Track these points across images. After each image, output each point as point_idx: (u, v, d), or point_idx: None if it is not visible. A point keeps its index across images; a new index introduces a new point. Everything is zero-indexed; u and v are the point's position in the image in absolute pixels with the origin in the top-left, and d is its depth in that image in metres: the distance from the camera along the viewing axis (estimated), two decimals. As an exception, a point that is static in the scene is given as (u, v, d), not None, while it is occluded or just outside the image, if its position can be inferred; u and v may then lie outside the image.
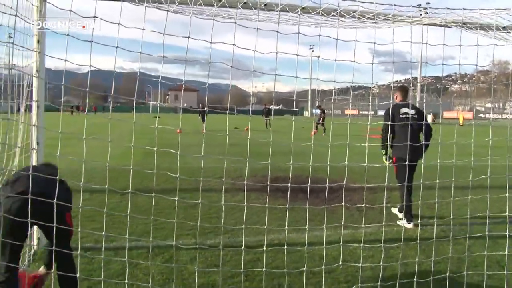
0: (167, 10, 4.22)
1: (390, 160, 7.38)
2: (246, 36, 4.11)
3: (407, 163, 6.46)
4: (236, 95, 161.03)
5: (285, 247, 4.24)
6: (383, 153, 7.49)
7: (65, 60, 3.46)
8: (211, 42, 3.72)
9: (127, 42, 3.78)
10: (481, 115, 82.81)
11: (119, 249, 5.72)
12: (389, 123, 6.95)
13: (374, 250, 5.76)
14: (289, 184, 3.89)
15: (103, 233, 3.97)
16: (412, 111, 7.41)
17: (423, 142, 6.62)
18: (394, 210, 7.93)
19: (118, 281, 4.59)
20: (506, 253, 4.35)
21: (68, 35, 3.53)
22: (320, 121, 32.14)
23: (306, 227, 4.90)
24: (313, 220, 7.21)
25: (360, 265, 4.38)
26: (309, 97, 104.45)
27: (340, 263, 4.57)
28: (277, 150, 14.95)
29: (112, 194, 8.37)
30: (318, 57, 4.13)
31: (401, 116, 7.35)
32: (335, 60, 4.03)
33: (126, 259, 3.85)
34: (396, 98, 7.93)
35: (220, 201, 8.19)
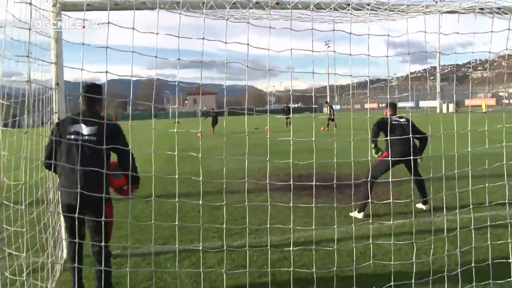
0: (180, 13, 4.24)
1: (380, 153, 7.63)
2: (260, 36, 4.12)
3: (390, 167, 6.62)
4: (254, 96, 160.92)
5: (313, 245, 4.23)
6: (372, 146, 7.70)
7: (82, 69, 3.52)
8: (226, 42, 3.74)
9: (142, 50, 3.81)
10: (505, 101, 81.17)
11: (147, 255, 5.78)
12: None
13: (401, 243, 5.71)
14: (313, 182, 3.88)
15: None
16: (402, 119, 7.87)
17: (419, 144, 7.49)
18: (419, 205, 7.94)
19: (147, 286, 4.64)
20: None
21: (83, 44, 3.58)
22: (332, 117, 32.42)
23: (335, 226, 4.87)
24: (338, 216, 7.18)
25: (391, 262, 4.34)
26: (328, 93, 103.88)
27: (371, 260, 4.53)
28: (298, 148, 14.88)
29: (137, 201, 8.46)
30: (334, 51, 4.12)
31: (393, 122, 7.60)
32: (350, 54, 4.01)
33: (151, 266, 3.89)
34: (385, 113, 8.27)
35: (244, 202, 8.22)
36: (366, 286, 4.55)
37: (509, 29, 4.15)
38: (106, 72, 3.63)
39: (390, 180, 4.57)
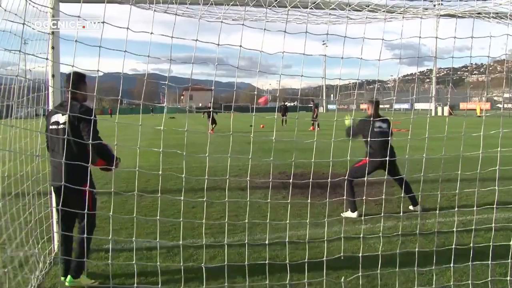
0: (176, 14, 4.24)
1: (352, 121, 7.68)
2: (257, 33, 4.11)
3: (366, 174, 6.66)
4: (251, 93, 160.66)
5: (307, 240, 4.24)
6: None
7: (73, 66, 3.51)
8: (218, 44, 3.73)
9: (138, 44, 3.81)
10: (499, 105, 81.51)
11: (138, 250, 5.78)
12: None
13: (393, 244, 5.74)
14: (310, 180, 3.89)
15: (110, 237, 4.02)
16: (384, 125, 7.83)
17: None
18: (411, 208, 7.96)
19: (138, 281, 4.63)
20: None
21: (76, 41, 3.57)
22: (314, 117, 32.61)
23: (326, 222, 4.90)
24: (331, 216, 7.20)
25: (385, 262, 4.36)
26: (323, 93, 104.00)
27: (360, 254, 4.55)
28: (293, 147, 14.92)
29: (131, 195, 8.45)
30: (325, 55, 4.12)
31: (375, 129, 7.63)
32: (342, 57, 4.02)
33: (133, 262, 3.89)
34: (368, 110, 8.10)
35: (237, 200, 8.23)
36: (355, 285, 4.58)
37: (508, 34, 4.17)
38: (98, 70, 3.60)
39: (372, 179, 4.59)
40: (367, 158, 7.19)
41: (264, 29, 3.83)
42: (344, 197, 7.39)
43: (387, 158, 6.24)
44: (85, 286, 4.79)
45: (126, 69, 4.27)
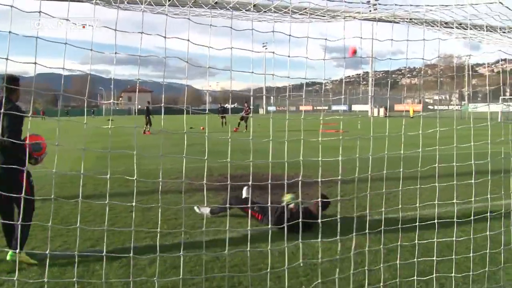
0: (118, 7, 4.11)
1: None
2: (200, 34, 4.07)
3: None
4: (191, 94, 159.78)
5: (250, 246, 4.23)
6: None
7: (7, 59, 3.32)
8: (165, 37, 3.64)
9: (75, 43, 3.65)
10: (430, 106, 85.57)
11: (74, 257, 5.56)
12: None
13: (333, 242, 5.85)
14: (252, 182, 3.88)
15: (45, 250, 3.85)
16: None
17: None
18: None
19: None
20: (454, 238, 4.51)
21: (10, 32, 3.37)
22: (244, 115, 33.71)
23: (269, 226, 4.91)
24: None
25: (319, 260, 4.43)
26: (264, 94, 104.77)
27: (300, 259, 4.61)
28: (234, 148, 14.93)
29: (66, 201, 8.16)
30: (262, 52, 4.13)
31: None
32: (272, 54, 4.04)
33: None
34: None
35: (178, 203, 8.13)
36: (296, 285, 4.63)
37: (439, 38, 4.37)
38: (35, 63, 3.43)
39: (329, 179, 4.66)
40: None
41: (211, 25, 3.78)
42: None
43: None
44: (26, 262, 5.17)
45: (61, 70, 4.08)
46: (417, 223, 4.51)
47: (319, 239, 4.33)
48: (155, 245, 5.88)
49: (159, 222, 4.14)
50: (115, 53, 3.77)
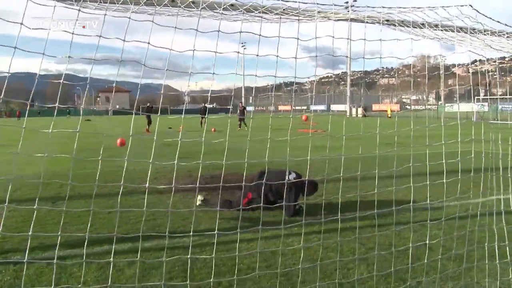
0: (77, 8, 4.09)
1: None
2: (176, 35, 4.06)
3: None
4: (169, 95, 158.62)
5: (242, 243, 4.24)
6: None
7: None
8: (124, 40, 3.63)
9: (52, 43, 3.61)
10: (407, 106, 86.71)
11: (52, 259, 5.49)
12: None
13: (311, 241, 5.91)
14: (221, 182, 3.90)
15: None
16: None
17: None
18: None
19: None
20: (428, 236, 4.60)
21: None
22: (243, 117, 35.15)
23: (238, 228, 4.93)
24: (251, 217, 7.25)
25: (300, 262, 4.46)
26: (243, 94, 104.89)
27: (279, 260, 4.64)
28: (212, 149, 14.94)
29: (42, 202, 8.06)
30: (238, 52, 4.15)
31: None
32: (257, 55, 4.07)
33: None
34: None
35: (157, 203, 8.10)
36: (276, 285, 4.66)
37: (412, 39, 4.45)
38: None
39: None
40: None
41: (175, 27, 3.78)
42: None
43: None
44: None
45: (37, 69, 4.03)
46: (393, 222, 4.59)
47: (301, 241, 4.39)
48: (133, 246, 5.87)
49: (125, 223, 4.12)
50: (94, 59, 3.74)
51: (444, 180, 4.30)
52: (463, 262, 4.62)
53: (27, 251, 4.19)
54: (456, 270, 4.77)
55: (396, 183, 4.56)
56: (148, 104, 34.86)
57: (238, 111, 37.90)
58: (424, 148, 4.53)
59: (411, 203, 4.70)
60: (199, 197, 7.87)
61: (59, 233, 3.35)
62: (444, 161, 4.17)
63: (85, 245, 4.94)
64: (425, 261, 4.59)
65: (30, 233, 3.02)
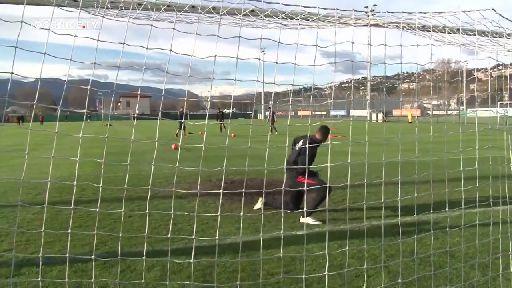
0: (103, 16, 4.15)
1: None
2: (197, 41, 4.09)
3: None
4: (189, 100, 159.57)
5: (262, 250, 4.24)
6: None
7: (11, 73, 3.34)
8: (147, 48, 3.66)
9: (74, 49, 3.67)
10: (428, 112, 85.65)
11: (73, 262, 5.57)
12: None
13: (330, 247, 5.87)
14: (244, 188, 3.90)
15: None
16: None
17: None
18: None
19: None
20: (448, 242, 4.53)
21: None
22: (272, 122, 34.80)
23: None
24: (270, 222, 7.25)
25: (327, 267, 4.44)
26: (262, 100, 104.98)
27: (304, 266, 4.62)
28: (232, 154, 14.97)
29: (65, 205, 8.17)
30: (259, 59, 4.17)
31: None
32: (276, 62, 4.07)
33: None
34: (317, 136, 8.03)
35: (177, 207, 8.14)
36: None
37: (431, 44, 4.41)
38: (12, 73, 3.42)
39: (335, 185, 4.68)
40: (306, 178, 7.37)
41: (196, 33, 3.81)
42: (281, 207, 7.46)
43: None
44: None
45: (59, 74, 4.14)
46: (415, 229, 4.53)
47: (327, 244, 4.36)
48: (153, 250, 5.91)
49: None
50: (93, 63, 3.79)
51: (462, 188, 4.24)
52: (488, 271, 4.54)
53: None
54: (480, 278, 4.69)
55: (417, 189, 4.51)
56: (181, 109, 34.92)
57: (268, 116, 37.99)
58: (445, 154, 4.48)
59: (431, 210, 4.64)
60: (260, 200, 8.18)
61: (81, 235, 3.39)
62: (461, 168, 4.11)
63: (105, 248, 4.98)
64: (448, 268, 4.52)
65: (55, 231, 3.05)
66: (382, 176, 4.06)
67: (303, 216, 7.47)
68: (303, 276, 3.95)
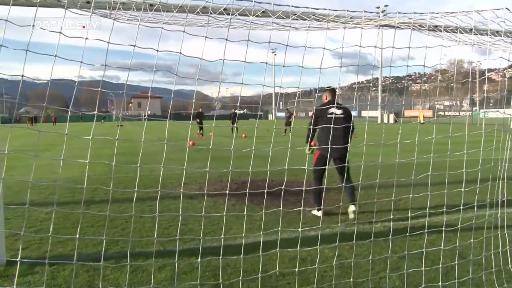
0: (114, 19, 4.17)
1: (312, 151, 7.80)
2: (207, 42, 4.11)
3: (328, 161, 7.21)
4: (200, 101, 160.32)
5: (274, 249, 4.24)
6: (307, 146, 7.82)
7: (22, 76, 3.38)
8: (157, 50, 3.68)
9: (86, 50, 3.70)
10: (440, 112, 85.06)
11: (86, 261, 5.61)
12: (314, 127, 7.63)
13: (341, 248, 5.85)
14: (265, 190, 3.91)
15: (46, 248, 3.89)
16: (339, 111, 7.68)
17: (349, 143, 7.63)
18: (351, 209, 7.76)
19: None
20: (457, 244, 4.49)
21: (1, 45, 3.39)
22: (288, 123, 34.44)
23: (279, 229, 4.93)
24: (281, 222, 7.22)
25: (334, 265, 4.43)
26: (273, 101, 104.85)
27: (316, 265, 4.61)
28: (243, 154, 14.96)
29: (78, 205, 8.24)
30: (267, 63, 4.17)
31: (328, 116, 7.48)
32: (283, 66, 4.08)
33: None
34: (325, 99, 8.18)
35: (188, 208, 8.16)
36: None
37: (441, 45, 4.38)
38: (22, 76, 3.46)
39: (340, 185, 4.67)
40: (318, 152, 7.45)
41: (206, 36, 3.82)
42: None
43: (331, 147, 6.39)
44: None
45: (71, 75, 4.16)
46: (425, 230, 4.50)
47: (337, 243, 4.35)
48: (165, 250, 5.93)
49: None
50: (103, 65, 3.82)
51: (478, 186, 4.20)
52: (501, 274, 4.50)
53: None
54: (493, 281, 4.64)
55: (430, 190, 4.48)
56: (200, 110, 34.72)
57: (285, 117, 37.87)
58: (457, 156, 4.45)
59: (444, 210, 4.61)
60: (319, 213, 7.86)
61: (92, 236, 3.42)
62: (464, 169, 4.08)
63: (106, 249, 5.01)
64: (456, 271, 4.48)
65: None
66: (395, 176, 4.04)
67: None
68: (315, 278, 3.95)
